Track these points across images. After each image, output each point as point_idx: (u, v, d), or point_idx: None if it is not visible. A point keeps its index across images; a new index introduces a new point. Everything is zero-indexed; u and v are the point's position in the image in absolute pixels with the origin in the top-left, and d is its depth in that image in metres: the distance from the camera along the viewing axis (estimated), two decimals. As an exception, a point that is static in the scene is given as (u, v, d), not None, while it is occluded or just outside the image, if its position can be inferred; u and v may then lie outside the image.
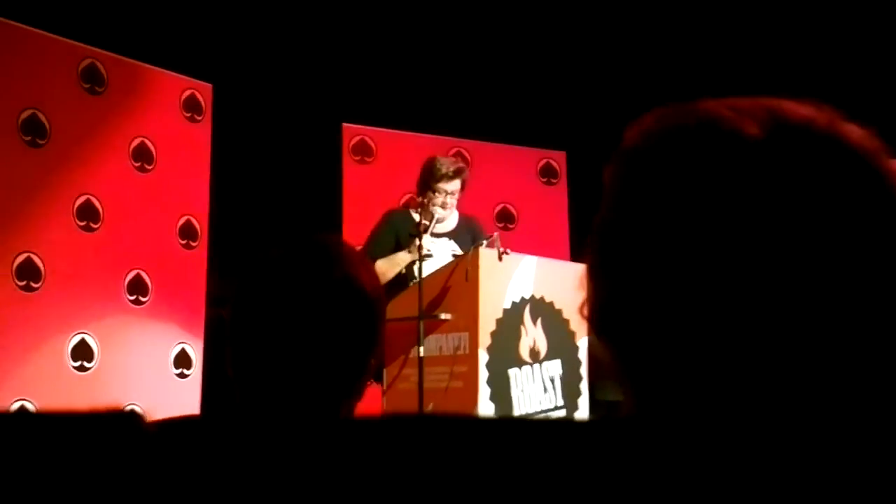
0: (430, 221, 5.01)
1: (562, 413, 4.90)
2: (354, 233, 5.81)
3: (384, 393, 4.93)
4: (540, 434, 0.69)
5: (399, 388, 4.87)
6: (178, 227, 6.09)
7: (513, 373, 4.80)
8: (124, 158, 5.82)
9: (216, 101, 6.37)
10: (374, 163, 6.95)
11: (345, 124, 6.95)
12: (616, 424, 0.70)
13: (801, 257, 0.72)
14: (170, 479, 0.70)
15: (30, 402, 5.07)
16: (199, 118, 6.28)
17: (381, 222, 5.31)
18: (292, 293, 1.62)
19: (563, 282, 5.11)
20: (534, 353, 4.90)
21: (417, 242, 4.83)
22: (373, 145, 6.99)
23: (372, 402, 4.49)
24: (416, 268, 4.85)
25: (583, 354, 5.09)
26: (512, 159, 7.34)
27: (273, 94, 7.05)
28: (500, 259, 4.80)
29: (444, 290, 4.81)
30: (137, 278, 5.79)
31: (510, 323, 4.83)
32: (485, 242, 4.90)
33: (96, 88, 5.71)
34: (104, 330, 5.57)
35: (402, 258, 5.01)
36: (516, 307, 4.87)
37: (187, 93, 6.25)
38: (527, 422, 0.72)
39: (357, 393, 1.69)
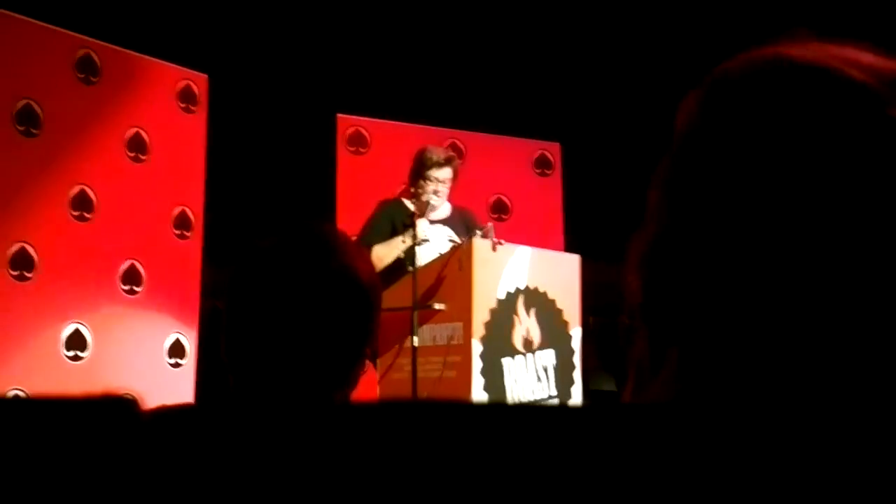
0: (424, 210, 5.04)
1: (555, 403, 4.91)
2: (349, 224, 5.81)
3: (378, 382, 4.94)
4: (540, 419, 0.69)
5: (393, 378, 4.88)
6: (173, 217, 6.08)
7: (506, 362, 4.81)
8: (119, 149, 5.81)
9: (212, 92, 6.35)
10: (368, 153, 6.94)
11: (339, 115, 6.93)
12: (617, 410, 0.70)
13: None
14: (164, 465, 0.70)
15: (24, 391, 5.06)
16: (195, 109, 6.27)
17: (377, 211, 5.33)
18: (288, 282, 1.62)
19: (556, 272, 5.13)
20: (527, 343, 4.92)
21: (412, 231, 4.86)
22: (367, 136, 6.98)
23: (366, 391, 4.49)
24: (413, 252, 4.85)
25: (576, 344, 5.11)
26: (506, 150, 7.33)
27: (268, 85, 7.05)
28: (493, 249, 4.81)
29: (439, 281, 4.82)
30: (132, 268, 5.78)
31: (504, 313, 4.84)
32: (479, 233, 4.91)
33: (91, 78, 5.70)
34: (98, 320, 5.56)
35: (399, 242, 5.02)
36: (510, 297, 4.88)
37: (182, 83, 6.23)
38: (528, 407, 0.71)
39: (351, 382, 1.69)
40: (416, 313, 4.74)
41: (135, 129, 5.89)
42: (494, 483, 0.64)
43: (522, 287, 4.93)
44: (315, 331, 1.61)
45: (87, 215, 5.57)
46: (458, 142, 7.16)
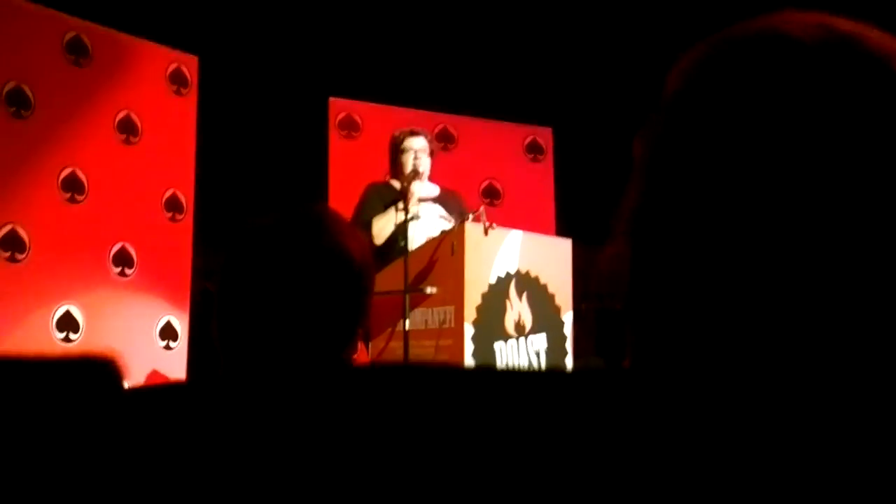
0: (412, 180, 5.09)
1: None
2: (340, 208, 5.76)
3: (370, 366, 4.94)
4: (547, 383, 0.68)
5: (385, 362, 4.88)
6: (164, 199, 6.06)
7: (498, 346, 4.82)
8: (109, 131, 5.79)
9: (202, 75, 6.33)
10: (360, 138, 6.93)
11: (331, 98, 6.92)
12: (611, 375, 0.70)
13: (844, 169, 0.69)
14: (150, 437, 0.69)
15: (15, 373, 5.05)
16: (185, 91, 6.25)
17: (367, 191, 5.36)
18: (280, 261, 1.62)
19: (548, 256, 5.13)
20: (519, 327, 4.92)
21: (407, 198, 4.90)
22: (359, 120, 6.96)
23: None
24: (406, 229, 4.87)
25: (568, 329, 5.11)
26: (498, 135, 7.32)
27: (259, 68, 7.02)
28: (485, 233, 4.81)
29: (430, 264, 4.81)
30: (123, 251, 5.77)
31: (496, 297, 4.84)
32: (471, 216, 4.91)
33: (81, 60, 5.68)
34: (89, 302, 5.55)
35: (394, 213, 5.04)
36: (502, 281, 4.87)
37: (173, 65, 6.21)
38: (533, 373, 0.71)
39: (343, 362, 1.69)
40: (407, 297, 4.73)
41: (125, 112, 5.87)
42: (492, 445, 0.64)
43: (514, 271, 4.93)
44: (306, 309, 1.61)
45: (77, 197, 5.55)
46: (449, 126, 7.16)
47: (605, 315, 7.94)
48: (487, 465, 0.64)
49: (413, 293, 4.76)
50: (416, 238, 4.92)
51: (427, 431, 0.65)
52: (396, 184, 5.25)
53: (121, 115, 5.84)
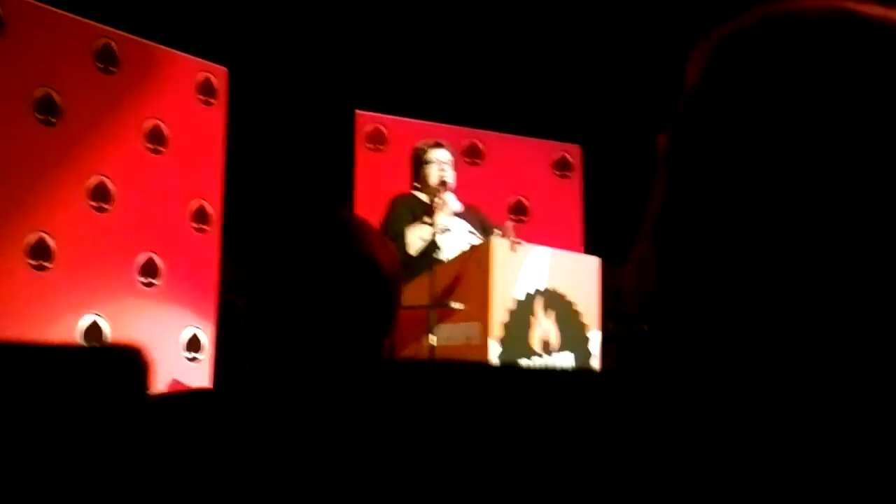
0: (436, 194, 5.06)
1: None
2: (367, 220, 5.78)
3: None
4: (576, 382, 0.66)
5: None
6: (191, 211, 6.07)
7: (524, 364, 4.78)
8: (138, 140, 5.81)
9: (231, 86, 6.35)
10: (387, 151, 6.93)
11: (358, 111, 6.92)
12: (637, 375, 0.67)
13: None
14: (179, 442, 0.68)
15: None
16: (214, 102, 6.26)
17: (395, 203, 5.33)
18: (308, 268, 1.59)
19: (576, 274, 5.09)
20: (545, 345, 4.88)
21: (435, 209, 4.90)
22: (386, 133, 6.96)
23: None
24: (435, 243, 4.84)
25: (594, 347, 5.07)
26: (527, 151, 7.31)
27: (288, 80, 7.04)
28: (513, 249, 4.77)
29: (456, 280, 4.78)
30: (149, 261, 5.77)
31: (522, 314, 4.80)
32: (498, 232, 4.88)
33: (111, 69, 5.70)
34: (116, 312, 5.55)
35: (427, 227, 4.99)
36: (529, 298, 4.84)
37: (202, 76, 6.22)
38: (565, 371, 0.69)
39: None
40: (433, 312, 4.70)
41: (154, 121, 5.88)
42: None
43: (541, 288, 4.89)
44: (335, 317, 1.58)
45: (105, 206, 5.56)
46: (477, 142, 7.15)
47: (631, 335, 7.89)
48: (514, 462, 0.63)
49: (439, 308, 4.73)
50: (448, 251, 4.89)
51: (448, 436, 0.64)
52: (422, 196, 5.22)
53: (149, 124, 5.86)
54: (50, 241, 5.27)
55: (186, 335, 5.95)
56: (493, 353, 4.65)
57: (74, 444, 0.66)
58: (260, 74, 6.73)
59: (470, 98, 7.23)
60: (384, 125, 6.98)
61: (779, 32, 0.73)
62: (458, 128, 7.01)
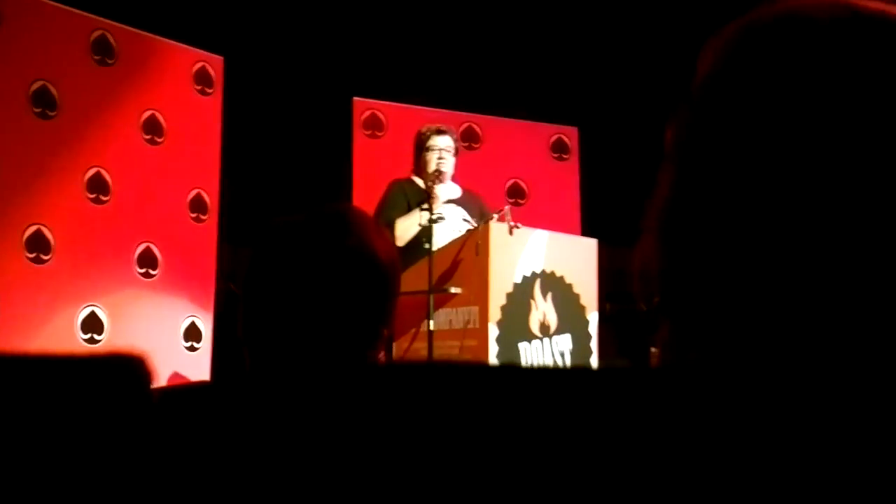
0: (435, 180, 5.06)
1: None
2: (364, 207, 5.75)
3: (394, 366, 4.92)
4: (574, 382, 0.67)
5: (407, 361, 4.86)
6: (189, 200, 6.07)
7: (523, 347, 4.79)
8: (135, 131, 5.80)
9: (227, 74, 6.34)
10: (384, 137, 6.93)
11: (356, 98, 6.92)
12: (639, 373, 0.68)
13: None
14: (179, 439, 0.69)
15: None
16: (210, 91, 6.26)
17: (390, 189, 5.34)
18: (306, 260, 1.60)
19: (573, 256, 5.10)
20: (544, 328, 4.89)
21: (430, 201, 4.87)
22: (384, 119, 6.96)
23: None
24: (430, 230, 4.84)
25: (593, 329, 5.08)
26: (523, 134, 7.30)
27: (284, 68, 7.02)
28: (510, 233, 4.78)
29: (455, 264, 4.79)
30: (147, 251, 5.78)
31: (520, 297, 4.82)
32: (495, 216, 4.89)
33: (107, 60, 5.69)
34: (114, 303, 5.57)
35: (418, 214, 4.99)
36: (527, 281, 4.85)
37: (198, 65, 6.22)
38: (560, 370, 0.69)
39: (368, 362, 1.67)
40: (432, 297, 4.72)
41: (150, 112, 5.88)
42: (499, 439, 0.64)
43: (539, 271, 4.90)
44: (332, 309, 1.59)
45: (102, 198, 5.57)
46: (474, 125, 7.14)
47: (629, 316, 7.90)
48: (511, 464, 0.63)
49: (437, 293, 4.74)
50: (440, 240, 4.89)
51: (451, 430, 0.64)
52: (420, 181, 5.22)
53: (146, 114, 5.86)
54: (48, 234, 5.28)
55: (185, 324, 5.97)
56: (492, 337, 4.67)
57: (77, 456, 0.67)
58: (256, 63, 6.71)
59: (466, 82, 7.22)
60: (381, 111, 6.98)
61: (788, 29, 0.73)
62: (455, 112, 7.00)
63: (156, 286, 5.82)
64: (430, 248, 4.76)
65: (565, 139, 7.39)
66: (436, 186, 5.01)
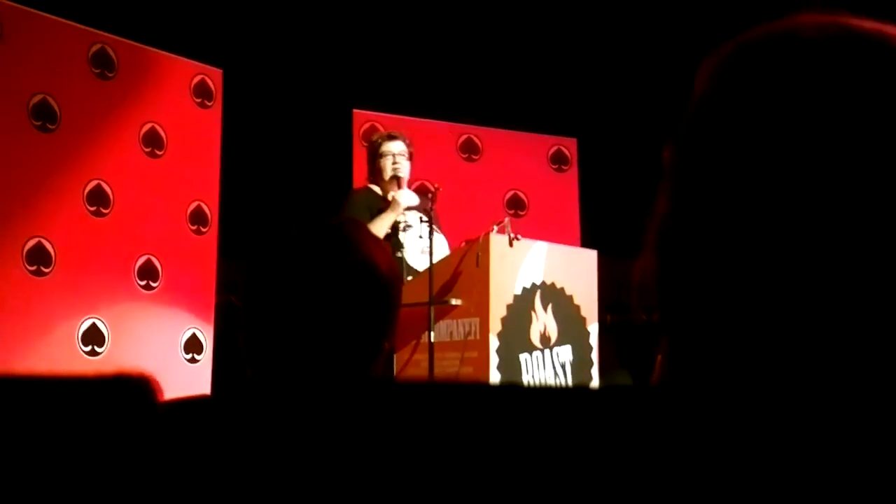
0: (391, 188, 5.08)
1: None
2: (365, 219, 5.79)
3: (395, 378, 4.93)
4: (575, 402, 0.67)
5: (410, 374, 4.86)
6: (189, 212, 6.08)
7: (524, 358, 4.79)
8: (135, 144, 5.81)
9: (227, 87, 6.34)
10: (384, 149, 6.92)
11: (355, 110, 6.92)
12: (640, 393, 0.68)
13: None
14: (181, 454, 0.69)
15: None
16: (210, 104, 6.27)
17: (350, 199, 5.30)
18: (306, 274, 1.60)
19: (574, 268, 5.10)
20: (544, 339, 4.89)
21: (392, 205, 4.93)
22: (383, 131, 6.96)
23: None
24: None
25: (594, 340, 5.08)
26: (523, 146, 7.30)
27: (284, 80, 7.04)
28: (510, 245, 4.79)
29: (455, 276, 4.79)
30: (148, 263, 5.78)
31: (521, 308, 4.82)
32: (495, 228, 4.89)
33: (107, 73, 5.70)
34: (115, 315, 5.57)
35: (384, 220, 4.97)
36: (527, 293, 4.85)
37: (198, 78, 6.23)
38: (562, 389, 0.70)
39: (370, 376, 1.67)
40: (432, 309, 4.72)
41: (150, 124, 5.89)
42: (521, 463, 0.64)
43: (539, 282, 4.91)
44: (333, 323, 1.59)
45: (103, 210, 5.58)
46: (474, 137, 7.15)
47: (630, 327, 7.90)
48: (511, 483, 0.63)
49: (438, 305, 4.74)
50: (409, 248, 4.90)
51: (451, 448, 0.65)
52: (378, 189, 5.21)
53: (146, 127, 5.86)
54: (48, 246, 5.29)
55: (186, 336, 5.97)
56: (493, 348, 4.67)
57: (84, 477, 0.67)
58: (255, 75, 6.73)
59: (466, 94, 7.23)
60: (381, 123, 6.98)
61: (784, 48, 0.74)
62: (454, 124, 7.01)
63: (156, 298, 5.82)
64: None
65: (565, 150, 7.39)
66: (396, 196, 5.00)
